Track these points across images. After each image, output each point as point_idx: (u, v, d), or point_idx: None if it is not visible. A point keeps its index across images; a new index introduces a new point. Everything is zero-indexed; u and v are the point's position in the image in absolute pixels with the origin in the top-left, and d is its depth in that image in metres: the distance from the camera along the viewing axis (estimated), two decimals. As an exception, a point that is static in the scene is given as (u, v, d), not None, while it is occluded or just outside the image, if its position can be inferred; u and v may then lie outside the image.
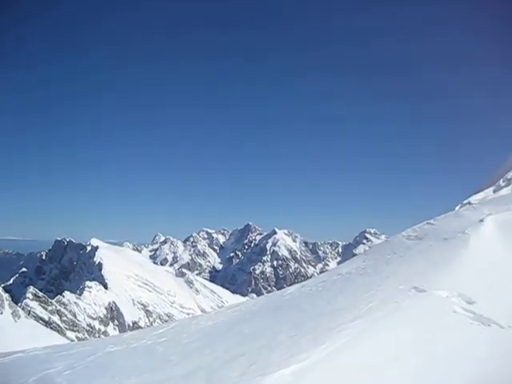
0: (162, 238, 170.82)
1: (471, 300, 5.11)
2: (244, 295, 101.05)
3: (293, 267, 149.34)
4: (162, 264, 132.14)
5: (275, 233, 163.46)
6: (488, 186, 20.37)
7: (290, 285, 8.97)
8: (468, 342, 4.21)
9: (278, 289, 12.96)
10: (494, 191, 17.42)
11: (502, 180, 18.24)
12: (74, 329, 47.88)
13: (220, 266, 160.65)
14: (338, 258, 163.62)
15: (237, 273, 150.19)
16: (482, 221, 7.54)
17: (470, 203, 14.95)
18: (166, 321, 56.57)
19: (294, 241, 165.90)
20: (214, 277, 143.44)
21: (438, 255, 6.37)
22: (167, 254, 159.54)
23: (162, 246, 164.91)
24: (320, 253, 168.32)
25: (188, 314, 62.24)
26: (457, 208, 14.63)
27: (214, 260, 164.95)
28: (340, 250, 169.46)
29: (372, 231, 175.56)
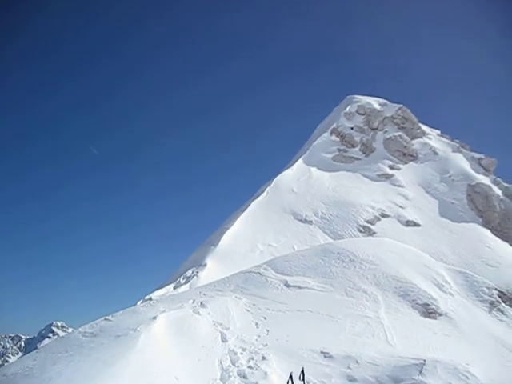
0: None
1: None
2: None
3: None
4: None
5: None
6: (170, 282, 32.55)
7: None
8: None
9: None
10: (175, 288, 28.90)
11: (182, 277, 30.60)
12: None
13: None
14: (21, 354, 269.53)
15: None
16: (155, 318, 13.40)
17: (150, 299, 24.20)
18: None
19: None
20: None
21: (108, 354, 10.94)
22: None
23: None
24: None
25: None
26: (138, 303, 23.25)
27: None
28: (23, 344, 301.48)
29: (59, 324, 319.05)
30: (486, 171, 57.40)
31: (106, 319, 14.80)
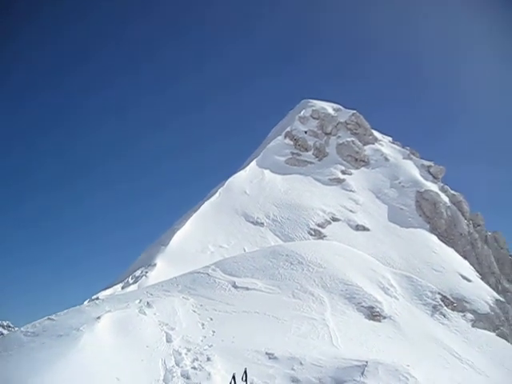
0: None
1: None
2: None
3: None
4: None
5: None
6: (119, 281, 32.15)
7: None
8: None
9: None
10: (123, 287, 28.40)
11: (130, 277, 29.94)
12: None
13: None
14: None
15: None
16: (99, 318, 13.32)
17: (97, 298, 23.87)
18: None
19: None
20: None
21: (48, 354, 10.75)
22: None
23: None
24: None
25: None
26: (85, 303, 22.92)
27: None
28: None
29: (5, 324, 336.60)
30: (434, 178, 59.02)
31: (49, 319, 14.59)
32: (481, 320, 30.64)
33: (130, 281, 29.70)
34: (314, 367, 13.58)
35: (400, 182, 55.38)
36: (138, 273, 30.88)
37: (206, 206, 43.67)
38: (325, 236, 42.09)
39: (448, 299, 30.21)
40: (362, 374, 12.96)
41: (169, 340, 14.30)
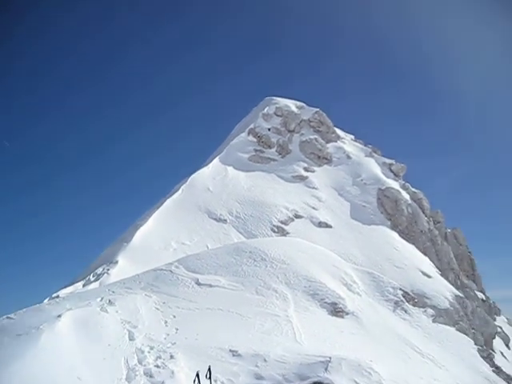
0: None
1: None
2: None
3: None
4: None
5: None
6: (80, 279, 31.66)
7: None
8: None
9: None
10: (84, 285, 28.07)
11: (92, 274, 29.52)
12: None
13: None
14: None
15: None
16: (59, 316, 13.15)
17: (58, 296, 23.53)
18: None
19: None
20: None
21: (6, 353, 10.57)
22: None
23: None
24: None
25: None
26: (45, 301, 22.53)
27: None
28: None
29: None
30: (395, 176, 59.78)
31: (8, 317, 14.38)
32: (441, 315, 31.21)
33: (92, 278, 29.26)
34: (277, 364, 13.64)
35: (362, 180, 55.92)
36: (99, 270, 30.45)
37: (169, 203, 43.35)
38: (288, 233, 42.23)
39: (409, 295, 30.73)
40: (326, 369, 13.08)
41: (131, 338, 14.17)
